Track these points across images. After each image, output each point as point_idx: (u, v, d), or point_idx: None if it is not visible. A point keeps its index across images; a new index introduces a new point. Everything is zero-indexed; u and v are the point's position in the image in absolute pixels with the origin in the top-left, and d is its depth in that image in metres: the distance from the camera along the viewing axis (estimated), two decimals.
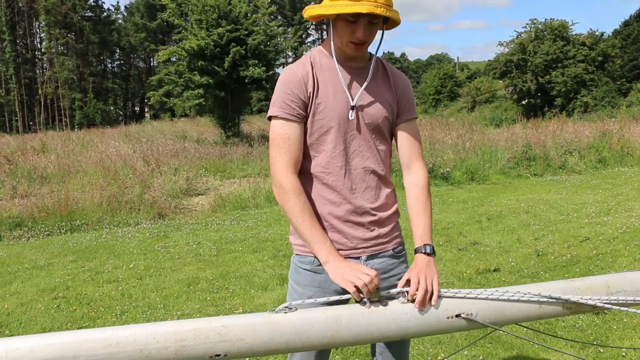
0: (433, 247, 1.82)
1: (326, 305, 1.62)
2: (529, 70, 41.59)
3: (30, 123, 55.83)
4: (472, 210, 8.05)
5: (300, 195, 1.80)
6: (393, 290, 1.64)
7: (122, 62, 66.37)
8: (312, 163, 1.88)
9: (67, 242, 7.37)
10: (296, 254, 1.99)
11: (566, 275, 4.87)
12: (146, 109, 63.56)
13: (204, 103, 17.89)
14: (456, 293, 1.67)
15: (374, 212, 1.90)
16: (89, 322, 4.29)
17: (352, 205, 1.87)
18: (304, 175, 1.90)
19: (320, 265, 1.88)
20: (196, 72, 17.12)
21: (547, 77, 40.59)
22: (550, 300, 1.74)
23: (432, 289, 1.63)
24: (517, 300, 1.71)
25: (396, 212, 1.99)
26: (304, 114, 1.84)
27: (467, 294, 1.67)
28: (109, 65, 65.91)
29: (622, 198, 8.55)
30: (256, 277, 5.24)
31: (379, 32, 1.87)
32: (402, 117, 1.94)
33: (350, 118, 1.84)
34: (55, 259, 6.40)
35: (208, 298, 4.72)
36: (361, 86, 1.87)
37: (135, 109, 66.76)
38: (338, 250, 1.87)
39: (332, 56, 1.87)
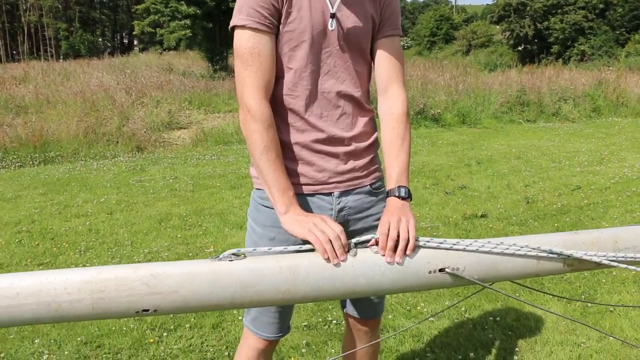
0: (409, 190, 1.52)
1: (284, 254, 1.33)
2: (527, 16, 40.69)
3: (14, 52, 54.26)
4: (462, 154, 7.79)
5: (270, 127, 1.50)
6: (363, 237, 1.35)
7: None
8: (279, 83, 1.56)
9: (38, 174, 7.05)
10: (257, 188, 1.72)
11: (556, 225, 4.65)
12: (135, 42, 61.93)
13: (190, 34, 17.23)
14: (441, 243, 1.39)
15: (349, 142, 1.61)
16: (50, 258, 4.03)
17: (324, 133, 1.58)
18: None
19: None
20: (183, 2, 16.40)
21: (545, 23, 39.77)
22: (550, 255, 1.48)
23: (408, 237, 1.34)
24: (513, 255, 1.44)
25: (375, 143, 1.70)
26: (275, 23, 1.50)
27: (454, 244, 1.39)
28: None
29: (615, 148, 8.31)
30: (232, 215, 4.99)
31: None
32: (383, 32, 1.60)
33: (330, 28, 1.51)
34: (24, 192, 6.10)
35: (179, 235, 4.47)
36: None
37: (124, 41, 65.04)
38: (307, 184, 1.61)
39: None
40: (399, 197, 1.49)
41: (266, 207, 1.66)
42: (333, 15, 1.51)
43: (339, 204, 1.64)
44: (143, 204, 5.45)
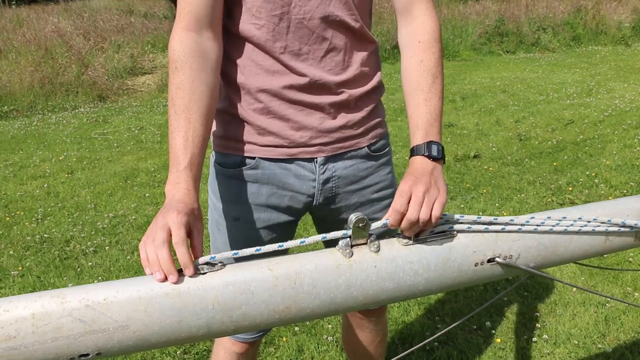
0: (442, 148, 1.08)
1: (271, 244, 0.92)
2: None
3: None
4: (445, 89, 7.39)
5: (190, 68, 1.03)
6: (380, 223, 0.95)
7: None
8: (235, 10, 1.11)
9: None
10: (215, 151, 1.27)
11: (554, 164, 4.35)
12: None
13: None
14: (489, 225, 1.02)
15: (339, 89, 1.17)
16: (3, 229, 3.60)
17: (304, 77, 1.13)
18: (228, 33, 1.14)
19: (252, 168, 1.20)
20: None
21: None
22: (622, 229, 1.14)
23: (429, 217, 0.94)
24: (578, 232, 1.10)
25: (378, 88, 1.25)
26: None
27: (506, 225, 1.04)
28: None
29: (602, 78, 8.00)
30: (204, 167, 4.57)
31: None
32: None
33: None
34: None
35: (147, 195, 4.05)
36: None
37: None
38: (280, 147, 1.17)
39: None
40: (429, 156, 1.05)
41: (227, 176, 1.23)
42: None
43: (323, 172, 1.21)
44: (107, 160, 4.99)
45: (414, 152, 1.08)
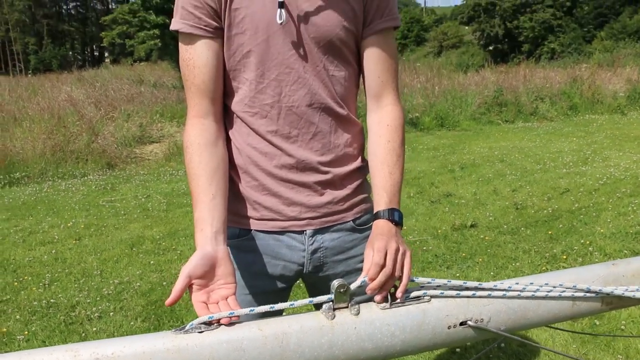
0: (402, 215, 1.24)
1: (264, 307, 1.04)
2: (497, 15, 41.05)
3: None
4: (444, 159, 7.59)
5: (202, 153, 1.22)
6: (354, 284, 1.06)
7: (78, 3, 63.20)
8: (235, 99, 1.27)
9: (3, 198, 6.67)
10: None
11: (549, 232, 4.45)
12: (106, 54, 61.08)
13: (160, 44, 16.86)
14: (460, 290, 1.12)
15: (324, 169, 1.31)
16: (11, 294, 3.69)
17: (292, 158, 1.28)
18: (228, 115, 1.30)
19: (248, 239, 1.33)
20: (151, 11, 16.03)
21: (515, 22, 40.16)
22: (587, 295, 1.24)
23: (402, 272, 1.10)
24: (545, 297, 1.20)
25: (362, 167, 1.38)
26: (215, 25, 1.21)
27: (476, 290, 1.15)
28: (64, 7, 62.72)
29: (598, 147, 8.19)
30: None
31: None
32: (373, 26, 1.28)
33: (279, 21, 1.18)
34: None
35: (152, 262, 4.16)
36: None
37: (95, 53, 64.15)
38: (273, 220, 1.31)
39: None
40: (392, 221, 1.20)
41: (228, 246, 1.38)
42: (282, 5, 1.18)
43: (312, 244, 1.34)
44: (114, 227, 5.12)
45: (378, 216, 1.22)
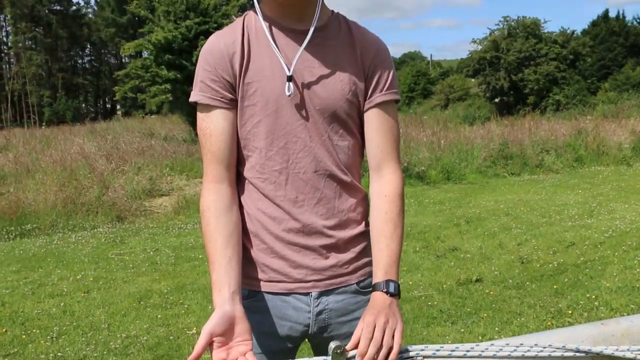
0: (398, 286, 1.30)
1: None
2: (502, 68, 41.69)
3: None
4: (450, 213, 7.65)
5: (219, 217, 1.31)
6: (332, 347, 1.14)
7: (92, 57, 64.84)
8: (246, 165, 1.37)
9: (13, 249, 6.76)
10: None
11: (555, 286, 4.47)
12: (118, 106, 62.23)
13: (171, 99, 17.21)
14: (437, 350, 1.19)
15: (329, 232, 1.38)
16: (18, 347, 3.74)
17: (298, 222, 1.36)
18: (241, 182, 1.40)
19: (257, 300, 1.40)
20: (163, 67, 16.44)
21: (519, 75, 40.73)
22: (577, 354, 1.30)
23: (392, 344, 1.16)
24: (535, 357, 1.26)
25: (366, 232, 1.45)
26: (231, 97, 1.33)
27: (468, 351, 1.21)
28: (79, 61, 64.31)
29: (603, 199, 8.24)
30: None
31: None
32: (373, 99, 1.38)
33: (287, 93, 1.29)
34: None
35: (159, 316, 4.20)
36: (308, 53, 1.33)
37: (107, 105, 65.36)
38: (281, 282, 1.38)
39: (262, 14, 1.35)
40: (387, 292, 1.26)
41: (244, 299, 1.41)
42: (290, 78, 1.29)
43: (317, 305, 1.40)
44: (122, 280, 5.18)
45: (374, 288, 1.29)
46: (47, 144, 17.38)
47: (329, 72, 1.34)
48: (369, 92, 1.38)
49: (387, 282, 1.28)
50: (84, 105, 60.61)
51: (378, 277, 1.30)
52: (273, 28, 1.33)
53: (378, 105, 1.38)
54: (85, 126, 26.93)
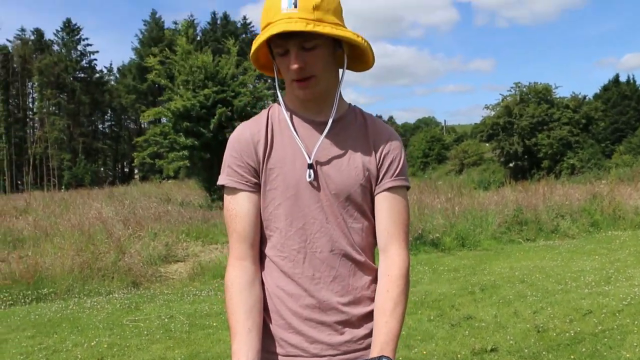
0: None
1: None
2: (515, 133, 42.05)
3: (18, 182, 55.19)
4: (465, 280, 7.61)
5: (241, 292, 1.43)
6: None
7: (112, 122, 66.57)
8: (268, 244, 1.49)
9: (29, 314, 6.80)
10: None
11: (572, 357, 4.41)
12: (136, 170, 63.26)
13: (188, 165, 17.55)
14: None
15: (344, 309, 1.47)
16: None
17: (315, 298, 1.45)
18: (262, 258, 1.51)
19: None
20: (181, 134, 16.86)
21: (533, 140, 41.02)
22: None
23: None
24: None
25: None
26: (255, 181, 1.47)
27: None
28: (100, 126, 66.01)
29: (621, 265, 8.16)
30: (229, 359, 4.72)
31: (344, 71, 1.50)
32: (383, 185, 1.50)
33: (308, 179, 1.43)
34: (12, 334, 5.84)
35: None
36: (326, 142, 1.47)
37: (125, 170, 66.51)
38: (298, 356, 1.46)
39: (284, 107, 1.50)
40: None
41: None
42: (310, 166, 1.43)
43: None
44: (136, 348, 5.18)
45: None
46: (65, 208, 17.66)
47: (345, 160, 1.47)
48: (380, 178, 1.50)
49: (381, 357, 1.35)
50: (102, 169, 61.73)
51: (373, 352, 1.38)
52: (294, 118, 1.48)
53: (388, 189, 1.50)
54: (104, 190, 27.40)
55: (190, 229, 11.34)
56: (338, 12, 1.41)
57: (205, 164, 17.87)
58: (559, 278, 7.40)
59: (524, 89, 43.49)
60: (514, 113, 42.15)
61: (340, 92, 1.52)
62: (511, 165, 43.58)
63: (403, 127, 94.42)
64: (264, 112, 1.53)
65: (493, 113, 44.42)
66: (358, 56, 1.48)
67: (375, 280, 1.53)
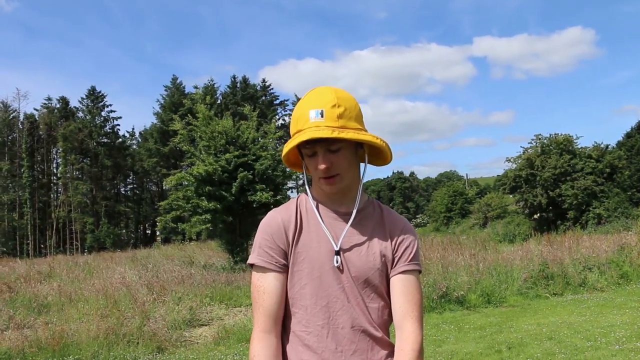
0: None
1: None
2: (538, 185, 41.69)
3: (42, 246, 55.93)
4: (491, 338, 7.49)
5: (266, 357, 1.57)
6: None
7: (134, 185, 67.67)
8: (293, 320, 1.63)
9: None
10: None
11: None
12: (157, 232, 63.77)
13: (211, 228, 17.71)
14: None
15: None
16: None
17: None
18: (286, 333, 1.64)
19: None
20: (204, 198, 17.10)
21: (557, 191, 40.59)
22: None
23: None
24: None
25: None
26: (283, 262, 1.63)
27: None
28: (122, 189, 67.09)
29: None
30: None
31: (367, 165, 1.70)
32: (397, 268, 1.68)
33: (335, 264, 1.60)
34: None
35: None
36: (349, 230, 1.65)
37: (147, 232, 67.07)
38: None
39: (312, 197, 1.70)
40: None
41: None
42: (337, 252, 1.60)
43: None
44: None
45: None
46: (89, 272, 17.85)
47: (364, 247, 1.64)
48: (395, 262, 1.67)
49: None
50: (124, 231, 62.35)
51: None
52: (320, 208, 1.66)
53: (402, 272, 1.67)
54: (126, 253, 27.64)
55: (214, 293, 11.39)
56: (359, 118, 1.62)
57: (227, 226, 18.04)
58: (588, 334, 7.25)
59: (545, 141, 43.41)
60: (536, 165, 41.94)
61: (362, 186, 1.70)
62: (536, 217, 43.03)
63: (425, 181, 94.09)
64: (292, 201, 1.72)
65: (515, 165, 44.26)
66: (377, 154, 1.69)
67: (391, 354, 1.67)
